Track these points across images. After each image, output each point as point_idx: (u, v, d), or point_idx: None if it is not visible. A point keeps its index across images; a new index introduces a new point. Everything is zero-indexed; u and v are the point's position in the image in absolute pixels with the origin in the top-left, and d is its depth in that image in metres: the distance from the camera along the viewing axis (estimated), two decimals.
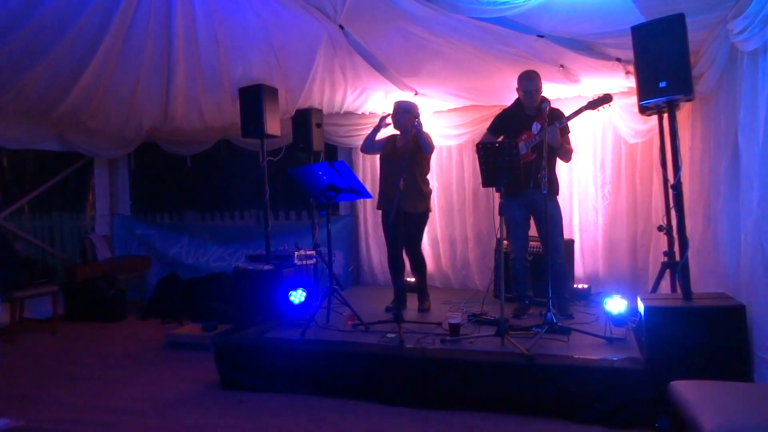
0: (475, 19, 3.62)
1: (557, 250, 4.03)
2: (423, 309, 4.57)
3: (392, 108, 4.53)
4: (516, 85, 4.10)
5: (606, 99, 3.75)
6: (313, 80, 5.20)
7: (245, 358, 3.73)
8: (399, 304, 4.25)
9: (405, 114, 4.43)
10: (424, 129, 4.44)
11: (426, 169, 4.55)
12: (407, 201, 4.15)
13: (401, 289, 4.41)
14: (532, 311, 4.21)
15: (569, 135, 4.11)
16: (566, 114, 3.93)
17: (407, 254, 4.60)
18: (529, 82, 4.00)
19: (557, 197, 4.21)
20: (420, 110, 4.64)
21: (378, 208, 4.68)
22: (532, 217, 4.23)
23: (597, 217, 5.15)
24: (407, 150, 4.17)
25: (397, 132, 4.56)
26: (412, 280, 4.84)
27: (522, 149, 3.93)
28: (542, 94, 4.04)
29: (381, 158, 4.72)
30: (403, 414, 3.20)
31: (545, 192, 3.57)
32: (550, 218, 3.81)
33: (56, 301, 5.51)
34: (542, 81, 4.06)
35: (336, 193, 4.14)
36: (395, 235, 4.34)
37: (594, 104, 3.77)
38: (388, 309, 4.52)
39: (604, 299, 3.77)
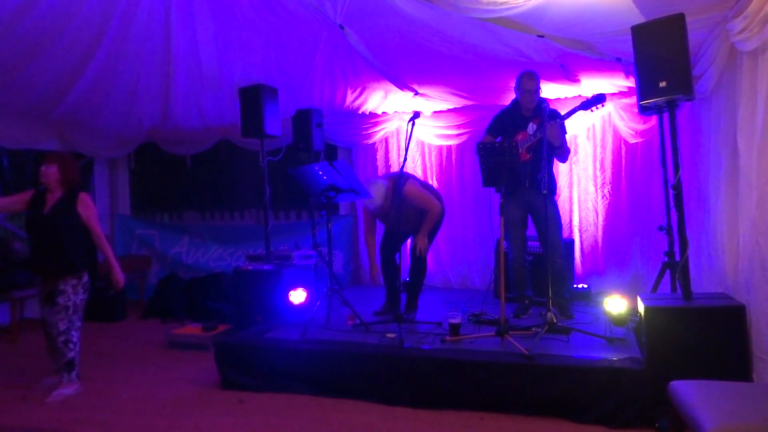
0: (475, 19, 3.62)
1: (556, 249, 4.03)
2: (402, 317, 3.79)
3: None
4: (514, 85, 4.11)
5: (599, 99, 3.71)
6: (313, 80, 5.21)
7: (245, 358, 3.73)
8: (392, 308, 4.18)
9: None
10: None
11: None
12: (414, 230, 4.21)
13: (397, 293, 4.26)
14: (532, 311, 4.21)
15: (566, 135, 4.11)
16: (561, 114, 3.93)
17: (412, 253, 4.33)
18: (529, 81, 4.01)
19: (555, 197, 4.20)
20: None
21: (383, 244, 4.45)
22: (530, 217, 4.23)
23: (597, 217, 5.15)
24: (395, 207, 4.01)
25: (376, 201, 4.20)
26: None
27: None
28: (541, 95, 4.04)
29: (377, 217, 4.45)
30: (403, 414, 3.19)
31: (545, 192, 3.56)
32: (548, 218, 3.80)
33: None
34: (542, 81, 4.06)
35: (336, 193, 4.13)
36: (394, 244, 4.26)
37: (587, 104, 3.75)
38: (376, 313, 4.37)
39: (604, 299, 3.77)
